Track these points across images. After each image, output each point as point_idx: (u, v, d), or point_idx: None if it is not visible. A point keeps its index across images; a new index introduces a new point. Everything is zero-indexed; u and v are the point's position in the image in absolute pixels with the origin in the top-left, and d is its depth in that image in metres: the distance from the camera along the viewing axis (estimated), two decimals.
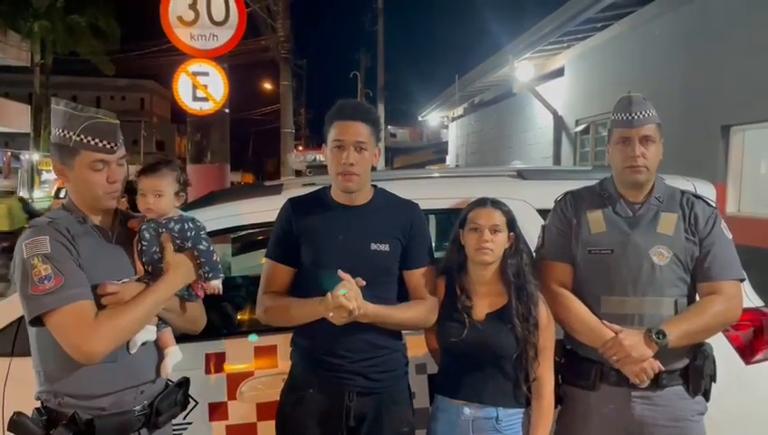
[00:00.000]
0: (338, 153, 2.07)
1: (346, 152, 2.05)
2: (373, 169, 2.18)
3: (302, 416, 2.11)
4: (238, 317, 3.39)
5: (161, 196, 1.98)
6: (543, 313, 2.13)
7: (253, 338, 2.44)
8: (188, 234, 2.01)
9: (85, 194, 1.90)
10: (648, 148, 2.13)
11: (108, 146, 1.85)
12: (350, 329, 2.04)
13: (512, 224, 2.16)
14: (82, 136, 1.83)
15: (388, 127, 26.43)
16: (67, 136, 1.83)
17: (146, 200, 1.98)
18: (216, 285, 2.04)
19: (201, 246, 2.01)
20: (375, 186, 2.22)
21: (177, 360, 2.02)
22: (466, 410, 2.11)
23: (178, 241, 2.00)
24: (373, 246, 2.10)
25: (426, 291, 2.17)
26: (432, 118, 22.52)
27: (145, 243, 1.97)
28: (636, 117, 2.14)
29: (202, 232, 2.05)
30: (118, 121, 1.89)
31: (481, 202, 2.19)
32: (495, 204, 2.17)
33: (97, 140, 1.84)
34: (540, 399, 2.13)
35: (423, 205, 2.30)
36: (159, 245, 1.98)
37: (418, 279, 2.17)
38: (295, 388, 2.16)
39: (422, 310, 2.15)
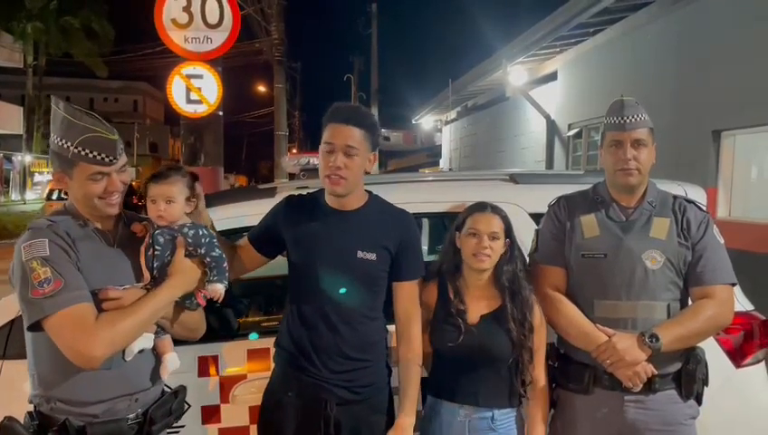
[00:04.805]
0: (327, 156, 2.05)
1: (335, 156, 2.03)
2: (367, 173, 2.16)
3: (281, 419, 2.10)
4: (231, 321, 3.37)
5: (172, 202, 1.96)
6: (537, 315, 2.14)
7: (253, 337, 2.44)
8: (203, 240, 1.98)
9: (84, 201, 1.87)
10: (639, 151, 2.14)
11: (107, 159, 1.81)
12: (332, 342, 2.06)
13: (509, 230, 2.16)
14: (80, 148, 1.77)
15: (382, 130, 26.34)
16: (65, 146, 1.79)
17: (156, 208, 1.95)
18: (219, 289, 2.01)
19: (214, 253, 2.00)
20: (369, 192, 2.19)
21: (174, 367, 1.98)
22: (462, 411, 2.11)
23: (191, 247, 1.97)
24: (360, 254, 2.06)
25: (411, 304, 2.14)
26: (425, 121, 22.53)
27: (159, 247, 1.93)
28: (628, 120, 2.14)
29: (215, 239, 2.03)
30: (117, 137, 1.84)
31: (480, 207, 2.18)
32: (495, 209, 2.16)
33: (95, 153, 1.78)
34: (537, 398, 2.14)
35: (416, 208, 2.30)
36: (173, 249, 1.94)
37: (406, 291, 2.14)
38: (275, 390, 2.16)
39: (417, 334, 2.14)
